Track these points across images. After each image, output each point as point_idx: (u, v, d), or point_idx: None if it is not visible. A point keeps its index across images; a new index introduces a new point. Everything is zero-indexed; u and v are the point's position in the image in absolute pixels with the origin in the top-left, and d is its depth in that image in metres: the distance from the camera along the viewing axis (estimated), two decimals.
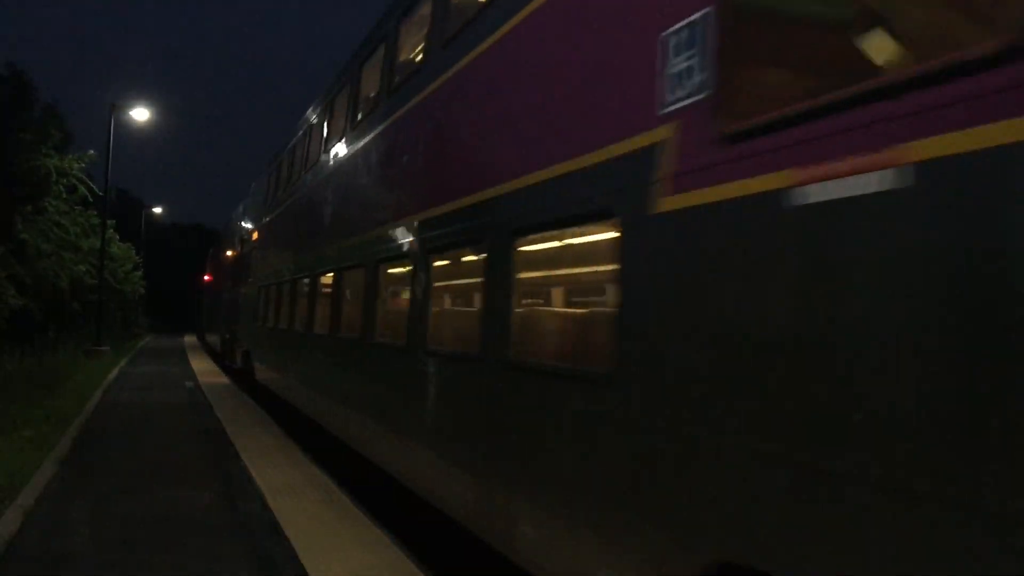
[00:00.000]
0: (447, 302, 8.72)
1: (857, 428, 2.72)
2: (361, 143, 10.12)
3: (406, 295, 8.08)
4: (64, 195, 26.26)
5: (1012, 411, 2.26)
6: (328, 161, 12.18)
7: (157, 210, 68.59)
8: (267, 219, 19.16)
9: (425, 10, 8.13)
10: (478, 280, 6.24)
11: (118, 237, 42.81)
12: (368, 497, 9.12)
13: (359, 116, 10.61)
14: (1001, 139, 2.29)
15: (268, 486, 9.05)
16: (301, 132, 15.19)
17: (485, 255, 6.02)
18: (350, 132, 10.90)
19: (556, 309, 7.31)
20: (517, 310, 5.67)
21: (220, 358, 29.90)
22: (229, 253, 29.65)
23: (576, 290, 7.46)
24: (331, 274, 11.49)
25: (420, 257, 7.52)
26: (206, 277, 44.06)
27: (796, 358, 3.00)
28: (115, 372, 24.33)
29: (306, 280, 13.29)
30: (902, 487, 2.56)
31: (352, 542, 7.03)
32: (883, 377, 2.65)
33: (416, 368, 7.42)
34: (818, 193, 2.90)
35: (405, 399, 7.78)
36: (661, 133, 3.76)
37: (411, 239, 7.81)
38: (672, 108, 3.73)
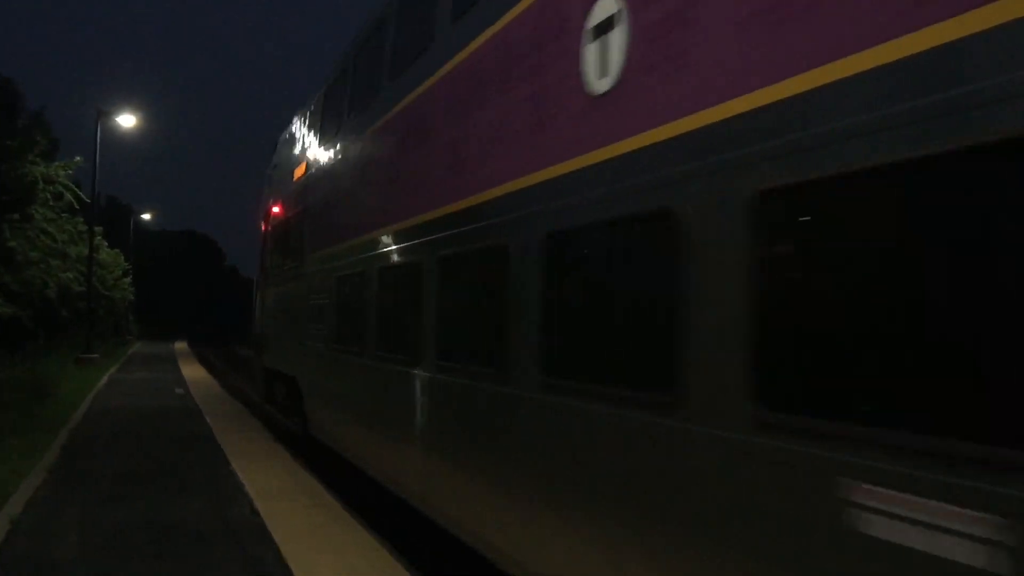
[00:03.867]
0: None
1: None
2: None
3: None
4: (51, 202, 26.16)
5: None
6: None
7: (146, 216, 68.37)
8: None
9: None
10: None
11: (107, 244, 42.68)
12: (358, 502, 9.14)
13: None
14: None
15: (257, 491, 9.05)
16: None
17: None
18: None
19: None
20: None
21: None
22: None
23: None
24: None
25: None
26: (275, 210, 16.72)
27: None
28: (105, 379, 24.23)
29: None
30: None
31: (341, 546, 7.04)
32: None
33: None
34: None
35: None
36: None
37: None
38: None
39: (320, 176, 12.57)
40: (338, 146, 11.46)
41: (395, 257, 8.60)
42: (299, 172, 14.12)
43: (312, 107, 13.72)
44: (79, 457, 11.09)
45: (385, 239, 8.92)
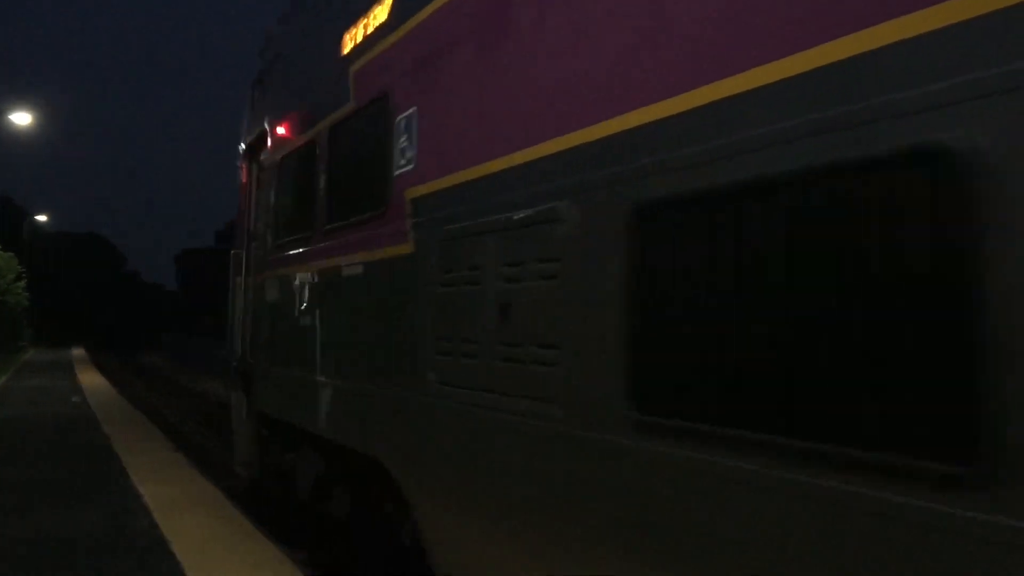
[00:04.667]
0: None
1: None
2: None
3: None
4: None
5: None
6: None
7: (42, 217, 65.62)
8: None
9: None
10: None
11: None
12: (262, 513, 8.99)
13: None
14: None
15: (156, 503, 8.80)
16: None
17: None
18: None
19: None
20: None
21: None
22: None
23: None
24: None
25: None
26: (283, 131, 8.85)
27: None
28: None
29: None
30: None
31: (244, 559, 6.90)
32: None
33: None
34: None
35: None
36: None
37: None
38: None
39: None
40: None
41: None
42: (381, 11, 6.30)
43: None
44: None
45: None
